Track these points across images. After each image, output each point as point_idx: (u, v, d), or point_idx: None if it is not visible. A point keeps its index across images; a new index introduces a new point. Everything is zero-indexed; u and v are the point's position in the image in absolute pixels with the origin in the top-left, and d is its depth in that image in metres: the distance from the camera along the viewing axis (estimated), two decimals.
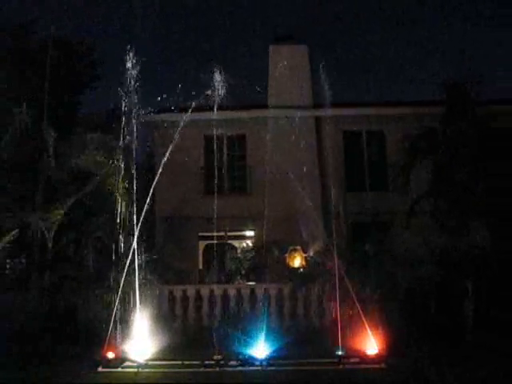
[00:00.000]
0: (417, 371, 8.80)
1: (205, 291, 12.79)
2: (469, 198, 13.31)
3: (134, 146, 12.21)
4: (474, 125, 13.75)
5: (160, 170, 17.60)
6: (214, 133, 18.33)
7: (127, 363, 9.63)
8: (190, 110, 18.39)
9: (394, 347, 9.93)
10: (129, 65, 11.59)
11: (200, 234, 17.84)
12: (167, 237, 16.21)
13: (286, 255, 14.79)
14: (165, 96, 13.47)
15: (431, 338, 10.52)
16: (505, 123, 15.02)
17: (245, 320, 11.84)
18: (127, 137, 12.45)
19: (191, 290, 12.80)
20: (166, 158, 17.87)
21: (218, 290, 12.80)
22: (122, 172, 13.18)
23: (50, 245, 12.70)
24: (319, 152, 17.66)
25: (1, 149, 12.54)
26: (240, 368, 9.35)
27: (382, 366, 9.17)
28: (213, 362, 9.36)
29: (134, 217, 11.82)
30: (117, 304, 11.49)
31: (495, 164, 13.70)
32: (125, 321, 11.14)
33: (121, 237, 12.94)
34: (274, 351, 9.72)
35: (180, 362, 9.59)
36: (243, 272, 15.27)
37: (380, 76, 54.37)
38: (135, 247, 12.35)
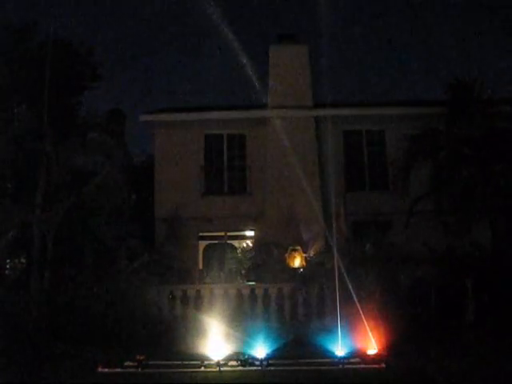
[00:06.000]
0: (417, 371, 8.80)
1: (205, 291, 12.79)
2: (471, 198, 13.30)
3: (133, 147, 12.24)
4: (478, 125, 13.75)
5: (160, 170, 17.68)
6: (215, 133, 18.41)
7: (127, 363, 9.62)
8: (190, 110, 18.50)
9: (393, 347, 9.92)
10: (130, 65, 11.63)
11: (200, 233, 17.84)
12: (167, 237, 16.21)
13: (286, 255, 14.76)
14: (165, 96, 13.51)
15: (431, 338, 10.51)
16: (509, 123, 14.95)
17: (245, 320, 11.84)
18: (127, 137, 12.48)
19: (191, 290, 12.79)
20: (166, 158, 17.96)
21: (218, 289, 12.80)
22: (122, 172, 13.22)
23: (50, 245, 12.72)
24: (319, 152, 17.64)
25: (1, 149, 12.55)
26: (240, 368, 9.35)
27: (382, 365, 9.16)
28: (213, 362, 9.35)
29: (134, 217, 11.86)
30: (117, 304, 11.52)
31: (498, 164, 13.69)
32: (125, 321, 11.15)
33: (121, 237, 12.98)
34: (273, 351, 9.70)
35: (180, 362, 9.58)
36: (243, 272, 15.26)
37: (380, 76, 54.33)
38: (135, 247, 12.37)
